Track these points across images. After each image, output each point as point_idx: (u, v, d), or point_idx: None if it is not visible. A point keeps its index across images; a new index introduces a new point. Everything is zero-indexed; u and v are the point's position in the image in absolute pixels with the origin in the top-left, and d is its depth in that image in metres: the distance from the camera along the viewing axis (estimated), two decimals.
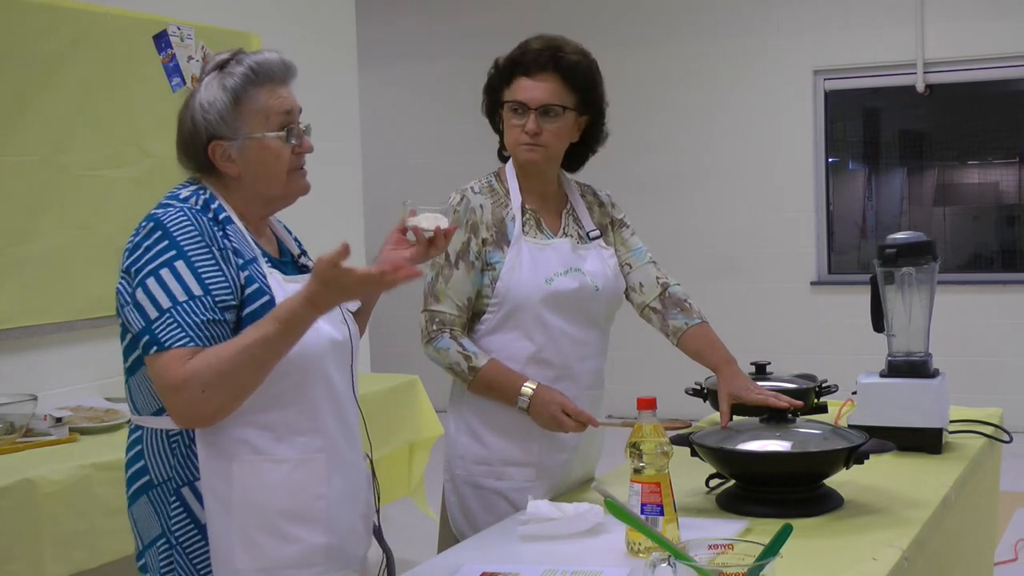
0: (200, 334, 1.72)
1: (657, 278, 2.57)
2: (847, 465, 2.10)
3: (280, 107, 1.88)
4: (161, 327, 1.72)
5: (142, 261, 1.76)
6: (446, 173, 5.77)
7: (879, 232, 7.67)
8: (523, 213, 2.40)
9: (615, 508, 1.65)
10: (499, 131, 2.48)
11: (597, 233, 2.51)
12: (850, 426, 2.44)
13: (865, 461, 2.11)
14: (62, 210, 3.90)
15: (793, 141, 7.38)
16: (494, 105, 2.45)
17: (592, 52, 2.44)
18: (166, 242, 1.75)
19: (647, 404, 1.89)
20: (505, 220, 2.38)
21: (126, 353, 1.84)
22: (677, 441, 2.14)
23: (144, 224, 1.80)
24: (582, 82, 2.39)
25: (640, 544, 1.84)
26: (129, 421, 1.90)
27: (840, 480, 2.15)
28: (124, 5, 4.14)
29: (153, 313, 1.73)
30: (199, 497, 1.80)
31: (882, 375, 2.64)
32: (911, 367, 2.62)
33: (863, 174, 7.97)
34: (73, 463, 3.05)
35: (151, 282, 1.74)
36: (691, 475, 2.24)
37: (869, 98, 7.66)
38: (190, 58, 4.37)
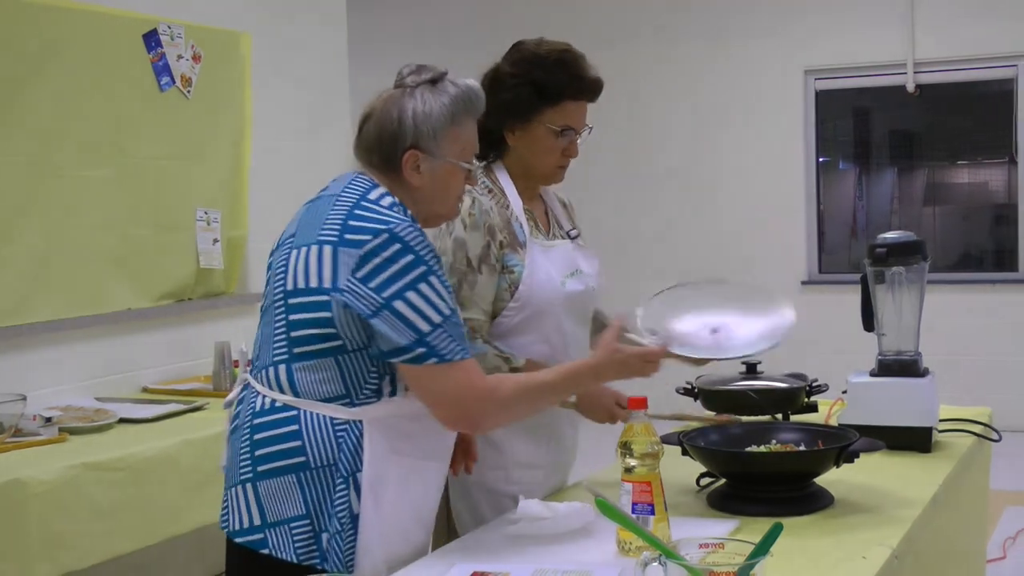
0: (468, 347, 1.89)
1: None
2: (837, 464, 2.11)
3: (475, 144, 2.03)
4: (438, 340, 1.83)
5: (390, 273, 1.82)
6: None
7: (869, 231, 7.69)
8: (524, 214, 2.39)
9: (606, 507, 1.65)
10: (496, 140, 2.39)
11: (576, 232, 2.50)
12: (840, 425, 2.45)
13: (855, 460, 2.12)
14: (49, 208, 3.89)
15: (784, 141, 7.39)
16: (517, 120, 2.35)
17: (581, 51, 2.43)
18: (411, 256, 1.83)
19: (638, 403, 1.89)
20: (511, 222, 2.34)
21: (299, 341, 1.87)
22: (668, 440, 2.14)
23: (372, 231, 1.84)
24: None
25: (631, 543, 1.84)
26: (273, 401, 1.91)
27: (830, 479, 2.16)
28: (113, 4, 4.12)
29: (425, 327, 1.82)
30: (358, 489, 1.86)
31: (872, 374, 2.64)
32: (901, 366, 2.62)
33: (853, 174, 7.99)
34: (63, 463, 3.05)
35: (413, 296, 1.82)
36: (682, 474, 2.24)
37: (859, 98, 7.67)
38: (179, 57, 4.36)
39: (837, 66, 7.28)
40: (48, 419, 3.36)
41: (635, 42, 7.57)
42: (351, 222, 1.86)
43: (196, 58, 4.43)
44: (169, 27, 4.31)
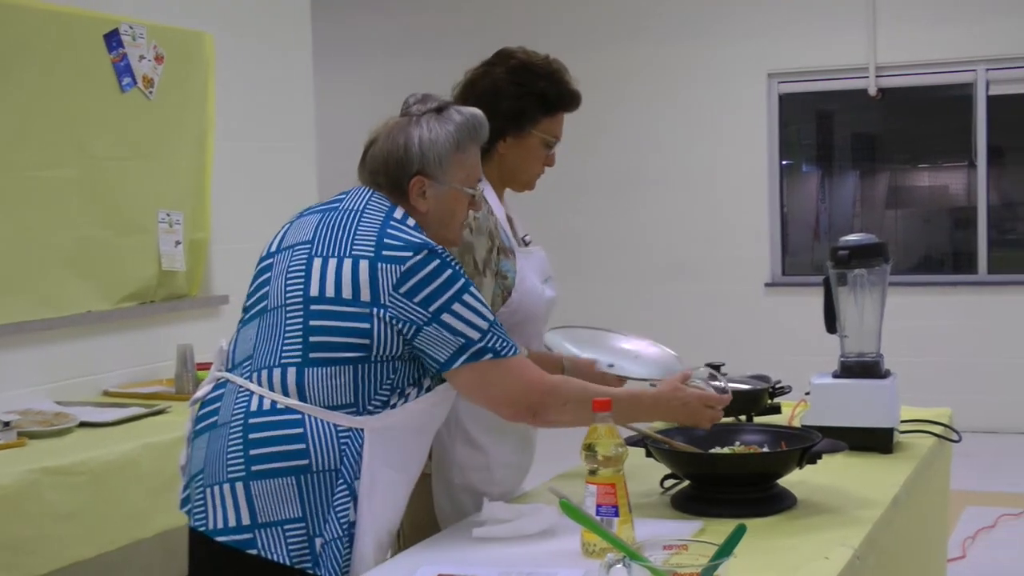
0: (517, 346, 1.96)
1: None
2: (800, 465, 2.12)
3: (479, 170, 2.09)
4: (490, 341, 1.91)
5: (434, 287, 1.88)
6: None
7: (832, 234, 7.75)
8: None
9: (570, 509, 1.65)
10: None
11: (530, 238, 2.51)
12: (803, 426, 2.46)
13: (818, 461, 2.13)
14: (9, 209, 3.84)
15: (747, 144, 7.44)
16: (515, 129, 2.35)
17: (547, 55, 2.43)
18: (450, 271, 1.91)
19: (602, 406, 1.89)
20: (498, 228, 2.34)
21: (318, 346, 1.88)
22: (632, 442, 2.15)
23: (412, 247, 1.90)
24: None
25: (595, 545, 1.84)
26: (273, 403, 1.89)
27: (793, 480, 2.17)
28: (74, 3, 4.08)
29: (475, 334, 1.90)
30: (355, 497, 1.89)
31: (835, 376, 2.66)
32: (863, 368, 2.64)
33: (816, 177, 8.05)
34: (21, 467, 3.01)
35: (459, 307, 1.89)
36: (646, 476, 2.25)
37: (822, 101, 7.74)
38: (142, 57, 4.32)
39: (800, 70, 7.34)
40: (7, 423, 3.31)
41: (597, 47, 7.58)
42: (386, 239, 1.90)
43: (158, 59, 4.39)
44: (131, 27, 4.27)
